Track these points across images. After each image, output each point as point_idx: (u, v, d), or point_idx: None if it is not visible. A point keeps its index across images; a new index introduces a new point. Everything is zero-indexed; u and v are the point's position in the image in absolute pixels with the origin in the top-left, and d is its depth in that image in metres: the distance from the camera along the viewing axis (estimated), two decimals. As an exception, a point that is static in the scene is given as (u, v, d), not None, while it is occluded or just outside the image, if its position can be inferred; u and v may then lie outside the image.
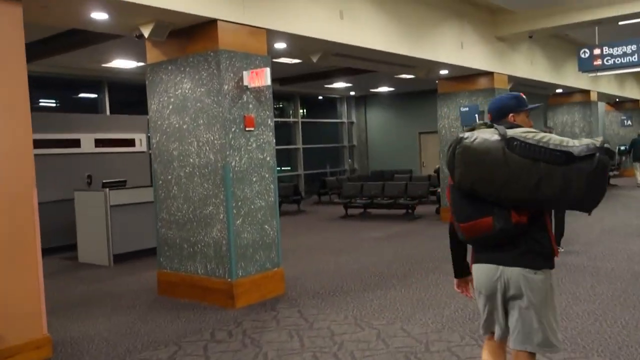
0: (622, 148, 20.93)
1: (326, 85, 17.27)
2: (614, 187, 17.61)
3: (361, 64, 9.65)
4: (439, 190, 12.99)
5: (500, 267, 2.70)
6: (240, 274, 5.95)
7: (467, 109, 11.36)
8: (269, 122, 6.33)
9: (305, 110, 20.25)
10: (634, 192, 15.76)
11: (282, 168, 19.41)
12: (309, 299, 6.16)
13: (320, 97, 20.53)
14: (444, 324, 5.08)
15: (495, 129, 2.64)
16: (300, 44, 7.32)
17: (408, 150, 20.22)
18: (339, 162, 21.34)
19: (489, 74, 11.10)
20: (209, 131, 5.98)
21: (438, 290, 6.24)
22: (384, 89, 18.70)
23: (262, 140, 6.23)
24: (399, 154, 20.35)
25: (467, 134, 2.67)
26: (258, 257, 6.16)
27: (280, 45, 7.36)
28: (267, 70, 5.99)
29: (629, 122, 22.11)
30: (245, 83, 6.03)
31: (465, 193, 2.69)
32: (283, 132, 19.78)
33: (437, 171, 12.77)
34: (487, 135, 2.61)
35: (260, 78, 5.99)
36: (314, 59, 8.04)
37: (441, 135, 11.86)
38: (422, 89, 18.94)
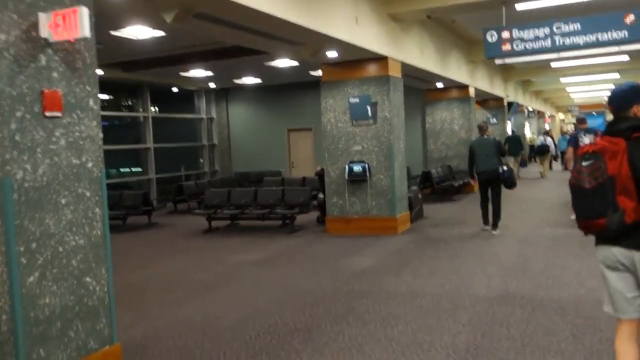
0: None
1: (182, 74, 14.58)
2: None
3: (232, 36, 7.33)
4: (321, 196, 11.04)
5: (623, 249, 2.80)
6: (38, 368, 3.37)
7: (357, 100, 9.50)
8: (91, 103, 3.80)
9: (157, 105, 17.32)
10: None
11: (133, 169, 16.36)
12: (164, 394, 3.74)
13: (174, 89, 17.72)
14: None
15: None
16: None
17: (276, 150, 18.17)
18: (198, 163, 18.67)
19: (382, 60, 9.32)
20: (-29, 117, 3.32)
21: (365, 357, 4.14)
22: (249, 80, 16.42)
23: (78, 134, 3.69)
24: (266, 153, 18.22)
25: None
26: (73, 333, 3.61)
27: (112, -11, 4.81)
28: (84, 11, 3.46)
29: (495, 120, 22.04)
30: (44, 34, 3.47)
31: (588, 193, 2.74)
32: (130, 129, 16.72)
33: (319, 173, 10.79)
34: None
35: (71, 26, 3.46)
36: (168, 19, 5.57)
37: (325, 131, 9.89)
38: (292, 82, 16.99)
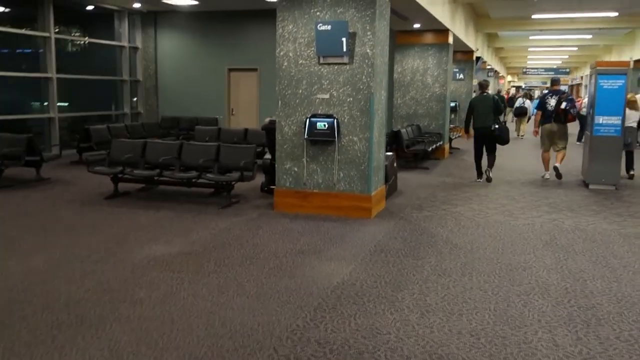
0: (454, 104, 18.63)
1: (93, -16, 11.23)
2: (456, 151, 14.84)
3: None
4: (269, 156, 8.40)
5: None
6: None
7: (328, 27, 6.74)
8: None
9: (66, 27, 13.84)
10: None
11: (46, 104, 13.00)
12: None
13: (89, 7, 14.22)
14: None
15: None
16: None
17: (213, 92, 15.12)
18: (118, 102, 15.40)
19: (367, -28, 6.59)
20: None
21: None
22: (183, 1, 13.16)
23: None
24: (201, 96, 15.16)
25: None
26: None
27: None
28: None
29: (461, 76, 19.81)
30: None
31: None
32: (28, 56, 13.29)
33: (268, 127, 8.09)
34: None
35: None
36: None
37: (280, 69, 7.13)
38: (237, 9, 13.93)
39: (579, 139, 17.50)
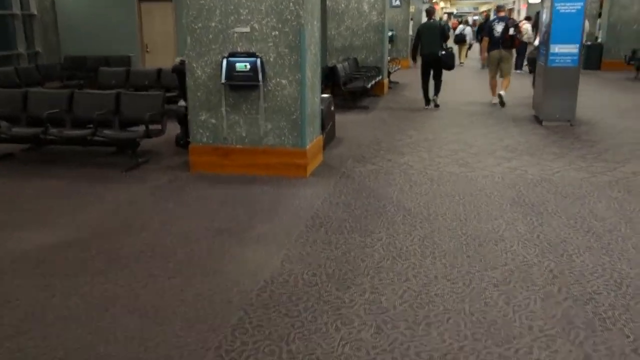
0: (391, 34, 17.44)
1: None
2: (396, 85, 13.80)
3: None
4: (183, 103, 7.07)
5: None
6: None
7: (242, -59, 5.33)
8: None
9: None
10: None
11: None
12: None
13: None
14: None
15: None
16: None
17: (123, 27, 13.23)
18: (10, 42, 13.26)
19: None
20: None
21: None
22: None
23: None
24: (110, 31, 13.25)
25: None
26: None
27: None
28: None
29: (397, 2, 18.56)
30: None
31: None
32: None
33: (179, 69, 6.71)
34: None
35: None
36: None
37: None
38: None
39: (518, 67, 16.87)
